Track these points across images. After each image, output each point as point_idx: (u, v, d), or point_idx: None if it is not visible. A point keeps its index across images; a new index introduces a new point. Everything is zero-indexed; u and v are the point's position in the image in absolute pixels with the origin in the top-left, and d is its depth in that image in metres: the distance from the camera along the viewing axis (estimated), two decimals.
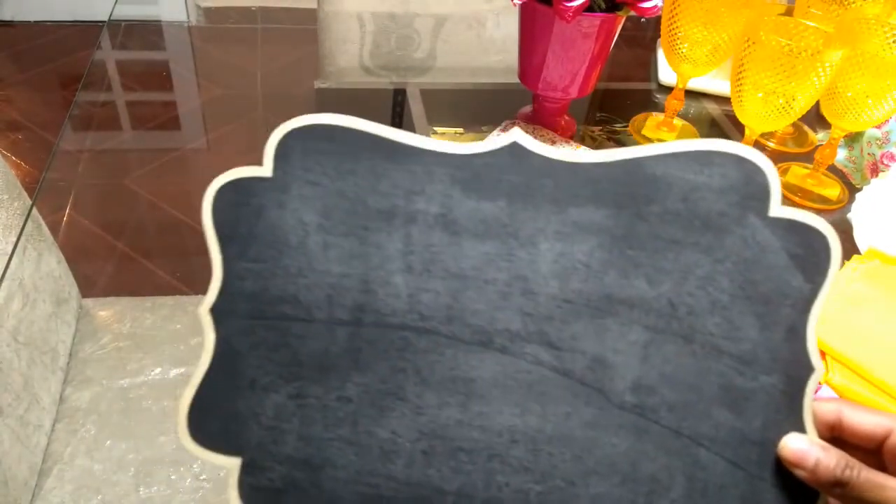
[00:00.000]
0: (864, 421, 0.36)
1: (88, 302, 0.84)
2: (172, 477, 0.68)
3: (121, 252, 1.45)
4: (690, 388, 0.37)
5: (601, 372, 0.38)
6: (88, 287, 0.86)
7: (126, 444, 0.70)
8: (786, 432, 0.37)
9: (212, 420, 0.37)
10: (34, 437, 0.67)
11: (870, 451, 0.36)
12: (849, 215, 0.80)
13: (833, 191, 0.86)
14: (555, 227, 0.38)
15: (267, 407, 0.37)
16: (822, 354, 0.61)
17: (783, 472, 0.37)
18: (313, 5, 1.09)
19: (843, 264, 0.69)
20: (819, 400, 0.37)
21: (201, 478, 0.68)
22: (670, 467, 0.37)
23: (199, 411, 0.37)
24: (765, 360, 0.38)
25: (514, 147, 0.38)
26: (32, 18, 2.45)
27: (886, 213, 0.75)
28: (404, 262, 0.37)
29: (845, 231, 0.80)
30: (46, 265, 0.74)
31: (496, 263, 0.38)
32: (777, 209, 0.38)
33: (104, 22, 2.47)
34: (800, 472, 0.36)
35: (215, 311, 0.37)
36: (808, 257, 0.38)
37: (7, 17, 2.44)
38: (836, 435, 0.37)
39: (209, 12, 2.50)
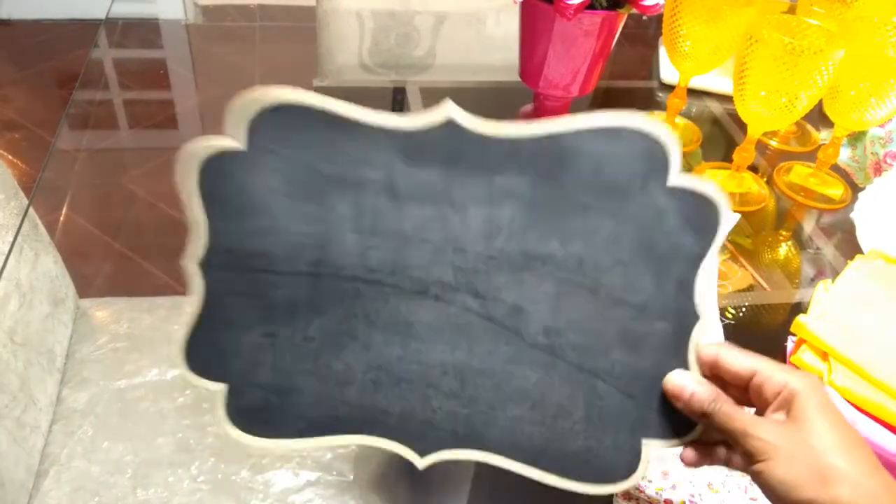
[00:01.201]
0: (735, 362, 0.42)
1: (85, 302, 0.83)
2: (170, 479, 0.67)
3: (118, 252, 1.45)
4: (593, 332, 0.44)
5: (518, 317, 0.44)
6: (85, 287, 0.86)
7: (123, 445, 0.69)
8: (672, 369, 0.44)
9: (202, 353, 0.44)
10: (31, 438, 0.67)
11: (742, 387, 0.42)
12: (852, 214, 0.80)
13: (836, 190, 0.86)
14: (482, 192, 0.43)
15: (245, 343, 0.44)
16: (825, 356, 0.60)
17: (668, 404, 0.44)
18: (312, 3, 1.08)
19: (846, 264, 0.69)
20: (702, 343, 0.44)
21: (199, 480, 0.67)
22: (573, 396, 0.45)
23: (192, 347, 0.44)
24: (658, 309, 0.44)
25: (449, 122, 0.43)
26: (29, 17, 2.44)
27: (889, 212, 0.75)
28: (355, 223, 0.43)
29: (848, 230, 0.80)
30: (43, 265, 0.74)
31: (432, 225, 0.43)
32: (675, 178, 0.43)
33: (101, 20, 2.46)
34: (677, 403, 0.43)
35: (201, 263, 0.43)
36: (700, 220, 0.43)
37: (4, 16, 2.43)
38: (715, 373, 0.43)
39: (207, 10, 2.49)
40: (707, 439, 0.44)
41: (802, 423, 0.38)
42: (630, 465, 0.45)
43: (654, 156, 0.42)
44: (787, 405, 0.40)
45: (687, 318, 0.44)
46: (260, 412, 0.45)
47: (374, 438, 0.46)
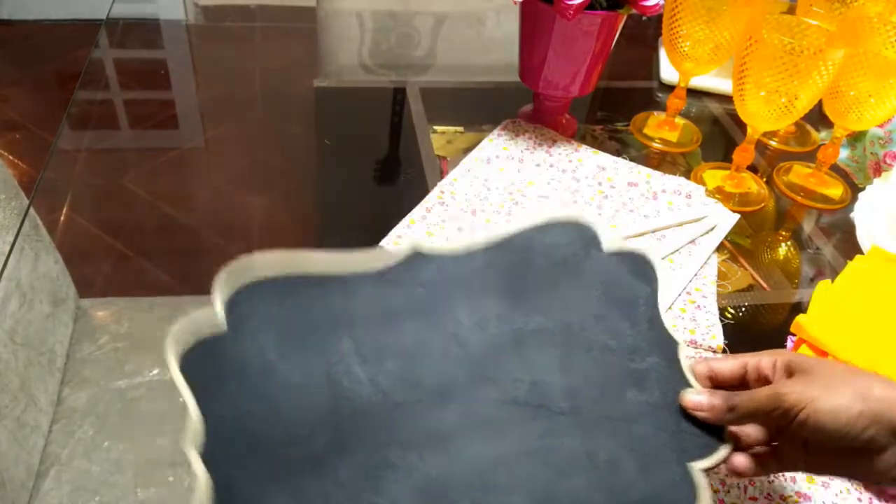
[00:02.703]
0: (725, 367, 0.47)
1: (86, 302, 0.83)
2: (170, 478, 0.67)
3: (118, 252, 1.45)
4: (604, 382, 0.47)
5: (538, 391, 0.46)
6: (86, 287, 0.86)
7: (124, 445, 0.69)
8: (679, 391, 0.46)
9: None
10: (31, 438, 0.67)
11: (738, 386, 0.46)
12: (851, 215, 0.80)
13: (836, 190, 0.86)
14: (465, 295, 0.49)
15: None
16: (824, 354, 0.60)
17: (692, 421, 0.46)
18: (313, 3, 1.09)
19: (845, 264, 0.69)
20: (694, 361, 0.48)
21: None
22: (616, 447, 0.44)
23: None
24: (644, 346, 0.49)
25: (416, 255, 0.49)
26: (30, 17, 2.44)
27: (889, 213, 0.75)
28: (358, 355, 0.44)
29: (848, 231, 0.80)
30: (44, 265, 0.74)
31: (430, 333, 0.47)
32: (608, 245, 0.53)
33: (102, 20, 2.46)
34: (701, 415, 0.45)
35: (203, 452, 0.38)
36: (641, 268, 0.53)
37: (5, 16, 2.43)
38: (714, 383, 0.47)
39: (207, 10, 2.49)
40: (747, 443, 0.47)
41: (810, 372, 0.43)
42: (689, 497, 0.43)
43: (586, 233, 0.53)
44: (790, 370, 0.44)
45: (669, 346, 0.49)
46: None
47: None
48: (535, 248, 0.52)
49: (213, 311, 0.42)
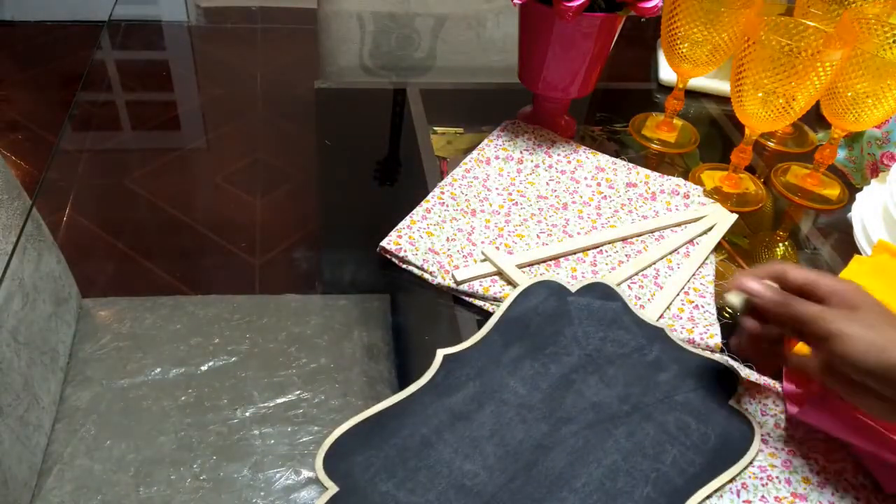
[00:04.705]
0: (796, 274, 0.52)
1: (88, 302, 0.84)
2: (172, 477, 0.67)
3: (121, 252, 1.45)
4: (637, 379, 0.59)
5: (601, 409, 0.57)
6: (88, 287, 0.86)
7: (126, 443, 0.70)
8: (686, 359, 0.61)
9: None
10: (34, 437, 0.67)
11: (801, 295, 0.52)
12: (849, 215, 0.80)
13: (833, 191, 0.86)
14: (502, 368, 0.59)
15: None
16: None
17: (708, 376, 0.60)
18: (313, 5, 1.09)
19: (843, 264, 0.69)
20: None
21: (201, 478, 0.68)
22: (677, 416, 0.57)
23: None
24: (645, 343, 0.62)
25: (446, 359, 0.59)
26: (33, 18, 2.45)
27: (886, 213, 0.75)
28: (459, 455, 0.53)
29: (845, 231, 0.80)
30: (46, 265, 0.74)
31: (501, 411, 0.56)
32: (574, 288, 0.66)
33: (104, 22, 2.47)
34: (757, 300, 0.52)
35: None
36: (606, 293, 0.66)
37: (7, 17, 2.44)
38: (780, 283, 0.53)
39: (209, 12, 2.50)
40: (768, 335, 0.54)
41: (858, 308, 0.48)
42: (743, 423, 0.57)
43: (553, 286, 0.66)
44: (840, 301, 0.49)
45: (660, 333, 0.63)
46: None
47: None
48: (526, 312, 0.63)
49: (321, 481, 0.51)
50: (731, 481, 0.53)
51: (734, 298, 0.54)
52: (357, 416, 0.55)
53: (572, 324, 0.63)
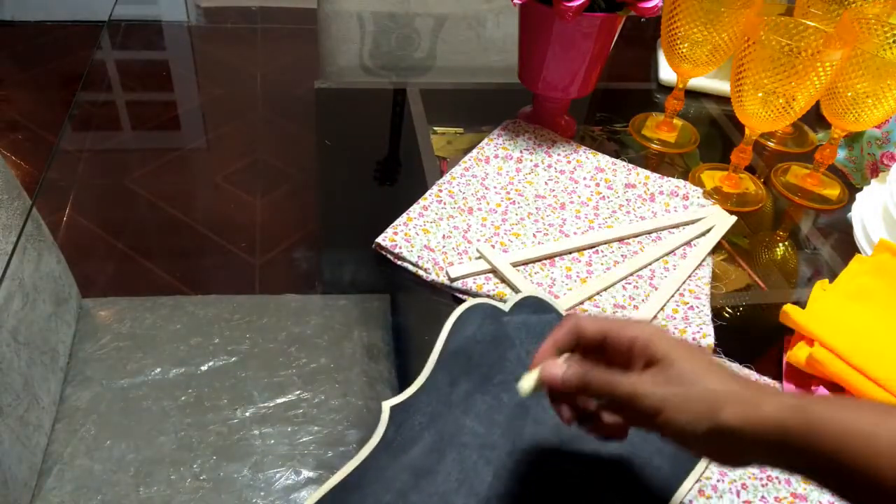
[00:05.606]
0: (589, 327, 0.45)
1: (88, 302, 0.84)
2: (172, 477, 0.67)
3: (121, 252, 1.45)
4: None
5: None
6: (88, 287, 0.86)
7: (126, 443, 0.70)
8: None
9: None
10: (34, 437, 0.67)
11: (598, 350, 0.45)
12: (849, 215, 0.80)
13: (833, 191, 0.86)
14: (454, 408, 0.56)
15: None
16: (810, 342, 0.60)
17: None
18: (313, 5, 1.09)
19: (843, 264, 0.69)
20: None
21: (201, 478, 0.68)
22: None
23: None
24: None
25: (392, 410, 0.57)
26: (33, 18, 2.45)
27: (886, 213, 0.75)
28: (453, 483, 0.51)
29: (845, 231, 0.80)
30: (46, 265, 0.74)
31: (464, 454, 0.53)
32: (506, 306, 0.63)
33: (104, 22, 2.47)
34: (555, 391, 0.45)
35: None
36: (539, 305, 0.64)
37: (7, 17, 2.44)
38: (578, 340, 0.46)
39: (209, 12, 2.50)
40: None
41: (670, 366, 0.41)
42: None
43: (486, 308, 0.64)
44: (647, 355, 0.42)
45: None
46: None
47: None
48: (466, 342, 0.60)
49: None
50: (717, 479, 0.53)
51: (524, 383, 0.46)
52: (317, 493, 0.51)
53: (514, 346, 0.59)
